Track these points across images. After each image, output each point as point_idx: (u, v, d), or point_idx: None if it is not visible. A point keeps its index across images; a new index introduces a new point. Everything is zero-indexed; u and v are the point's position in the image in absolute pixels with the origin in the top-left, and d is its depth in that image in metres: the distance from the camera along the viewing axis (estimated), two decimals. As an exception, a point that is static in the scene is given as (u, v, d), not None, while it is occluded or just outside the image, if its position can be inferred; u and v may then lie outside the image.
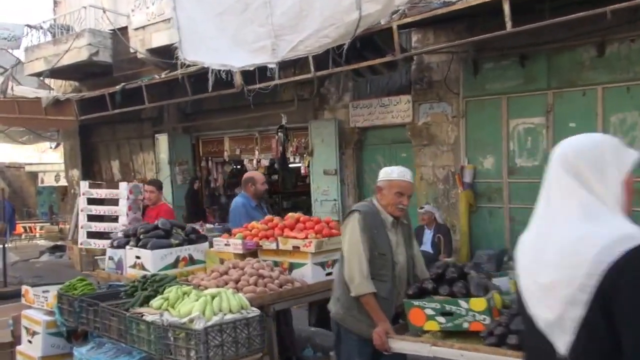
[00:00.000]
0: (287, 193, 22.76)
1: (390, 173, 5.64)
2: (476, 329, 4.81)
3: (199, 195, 18.81)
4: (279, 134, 16.31)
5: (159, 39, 16.80)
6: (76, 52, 18.82)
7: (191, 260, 7.81)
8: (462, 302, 4.86)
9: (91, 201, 11.64)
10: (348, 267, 5.42)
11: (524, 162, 12.38)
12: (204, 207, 19.05)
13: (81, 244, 11.80)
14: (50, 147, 31.14)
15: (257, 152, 18.01)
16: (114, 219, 11.52)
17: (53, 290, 7.96)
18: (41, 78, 22.09)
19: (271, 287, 6.34)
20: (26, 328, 8.01)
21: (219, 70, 13.39)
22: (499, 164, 12.68)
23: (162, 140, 18.89)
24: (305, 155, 16.58)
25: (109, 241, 11.21)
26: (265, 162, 18.15)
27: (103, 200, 11.73)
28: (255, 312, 5.57)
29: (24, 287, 8.52)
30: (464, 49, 12.76)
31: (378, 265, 5.44)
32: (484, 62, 12.82)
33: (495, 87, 12.70)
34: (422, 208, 12.67)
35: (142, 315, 5.68)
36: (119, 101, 16.96)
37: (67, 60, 19.09)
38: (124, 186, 11.35)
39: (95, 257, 10.82)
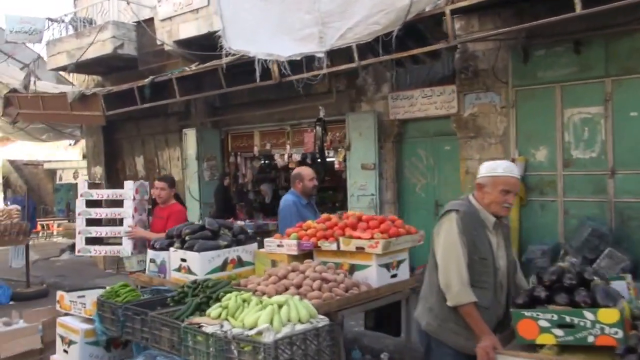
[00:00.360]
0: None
1: (495, 168, 5.04)
2: (605, 344, 4.16)
3: (228, 192, 18.11)
4: (317, 127, 15.59)
5: (187, 30, 16.24)
6: (100, 45, 18.25)
7: (239, 262, 7.29)
8: (588, 313, 4.21)
9: (91, 203, 10.61)
10: (444, 274, 4.87)
11: (580, 154, 11.68)
12: (234, 203, 18.34)
13: (79, 251, 10.76)
14: (70, 144, 30.81)
15: (288, 147, 17.42)
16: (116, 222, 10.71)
17: (90, 296, 7.47)
18: (64, 72, 21.60)
19: (337, 292, 5.77)
20: (61, 337, 7.42)
21: (265, 60, 12.80)
22: (553, 155, 11.99)
23: (190, 135, 18.18)
24: (339, 149, 16.01)
25: (110, 247, 10.50)
26: (297, 157, 17.58)
27: (99, 202, 10.80)
28: (324, 321, 5.04)
29: (59, 293, 7.92)
30: (513, 36, 12.07)
31: (478, 271, 4.85)
32: (534, 50, 12.15)
33: (548, 75, 12.03)
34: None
35: (200, 326, 5.08)
36: (149, 95, 16.35)
37: (91, 54, 18.53)
38: (129, 185, 10.39)
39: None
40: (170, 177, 11.09)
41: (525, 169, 12.17)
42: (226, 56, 13.54)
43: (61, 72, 22.07)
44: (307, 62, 12.61)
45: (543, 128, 12.13)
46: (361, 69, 13.22)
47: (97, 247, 10.64)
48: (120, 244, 10.24)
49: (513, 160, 12.09)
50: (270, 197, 19.76)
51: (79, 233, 10.56)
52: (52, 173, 33.51)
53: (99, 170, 22.12)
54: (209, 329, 4.94)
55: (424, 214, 14.08)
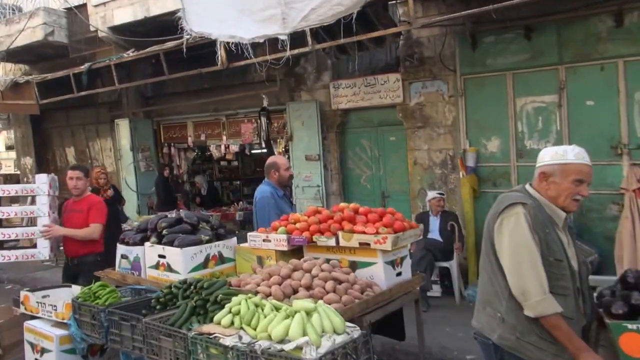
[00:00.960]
0: (247, 179, 22.04)
1: (564, 154, 4.32)
2: None
3: (169, 183, 17.66)
4: (261, 117, 15.23)
5: (122, 16, 15.59)
6: (30, 33, 17.51)
7: (220, 259, 6.82)
8: None
9: None
10: (518, 279, 4.17)
11: (535, 144, 11.49)
12: (175, 195, 17.96)
13: None
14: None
15: (224, 138, 17.08)
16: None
17: (56, 296, 7.04)
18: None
19: (354, 294, 5.32)
20: (32, 344, 6.84)
21: (214, 45, 12.40)
22: (506, 146, 11.81)
23: (123, 125, 17.81)
24: (279, 139, 15.70)
25: (22, 252, 9.27)
26: (234, 148, 17.27)
27: None
28: (356, 330, 4.51)
29: (23, 293, 7.32)
30: (459, 22, 11.86)
31: (555, 275, 4.19)
32: (482, 36, 11.93)
33: (498, 62, 11.82)
34: (440, 194, 11.93)
35: (215, 337, 4.59)
36: (86, 82, 15.80)
37: (20, 42, 17.77)
38: (42, 179, 9.12)
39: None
40: (84, 166, 10.19)
41: (477, 159, 12.04)
42: (193, 39, 13.00)
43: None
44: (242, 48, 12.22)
45: (494, 118, 11.93)
46: (314, 53, 12.91)
47: (5, 253, 9.26)
48: (29, 246, 9.31)
49: (464, 151, 11.98)
50: (206, 189, 19.36)
51: None
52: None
53: (29, 161, 21.48)
54: (227, 341, 4.45)
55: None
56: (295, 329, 4.28)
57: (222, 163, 22.63)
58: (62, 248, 9.21)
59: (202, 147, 19.78)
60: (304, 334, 4.25)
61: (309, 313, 4.49)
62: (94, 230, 8.56)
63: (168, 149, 18.95)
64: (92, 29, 16.43)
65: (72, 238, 8.74)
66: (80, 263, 8.56)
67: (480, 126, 12.13)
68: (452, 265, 11.28)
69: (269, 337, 4.36)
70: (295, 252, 6.35)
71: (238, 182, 22.89)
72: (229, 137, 16.98)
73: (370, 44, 12.87)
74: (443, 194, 11.95)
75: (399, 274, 6.04)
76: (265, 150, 17.02)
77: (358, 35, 11.44)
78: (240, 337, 4.46)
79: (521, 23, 11.32)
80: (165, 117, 18.43)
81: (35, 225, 9.00)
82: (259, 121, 15.50)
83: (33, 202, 9.38)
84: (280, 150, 15.57)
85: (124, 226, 13.13)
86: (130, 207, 16.49)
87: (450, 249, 11.33)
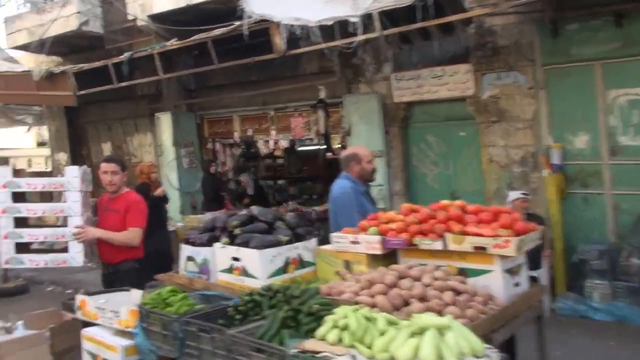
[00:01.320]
0: (293, 178, 21.15)
1: None
2: None
3: (216, 180, 17.01)
4: (319, 110, 14.38)
5: (162, 4, 14.99)
6: (64, 22, 16.96)
7: (300, 263, 5.82)
8: None
9: (20, 197, 8.47)
10: None
11: (630, 141, 10.60)
12: (222, 193, 17.26)
13: (7, 262, 8.49)
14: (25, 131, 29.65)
15: (273, 133, 16.23)
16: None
17: (114, 301, 6.03)
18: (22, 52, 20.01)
19: (478, 308, 4.27)
20: (92, 354, 5.87)
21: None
22: (596, 142, 10.91)
23: (164, 119, 17.01)
24: (333, 134, 15.12)
25: (52, 256, 8.29)
26: (284, 144, 16.43)
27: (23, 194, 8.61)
28: (494, 352, 3.59)
29: (80, 297, 6.30)
30: (537, 9, 10.96)
31: None
32: (564, 23, 11.03)
33: (584, 52, 10.89)
34: (525, 194, 10.79)
35: (323, 356, 3.58)
36: (127, 72, 15.10)
37: (53, 32, 17.21)
38: (73, 172, 8.15)
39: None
40: (120, 158, 9.09)
41: (562, 157, 11.14)
42: (250, 20, 12.21)
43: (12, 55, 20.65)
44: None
45: (582, 111, 11.08)
46: (380, 39, 11.93)
47: (34, 257, 8.45)
48: (60, 250, 8.36)
49: (548, 148, 11.22)
50: (253, 188, 18.46)
51: (5, 237, 8.37)
52: (4, 161, 32.26)
53: (63, 157, 20.92)
54: (342, 362, 3.47)
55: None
56: (427, 350, 3.34)
57: (267, 161, 22.06)
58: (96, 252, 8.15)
59: (247, 143, 19.06)
60: (440, 357, 3.33)
61: (440, 330, 3.54)
62: (134, 235, 7.47)
63: (212, 144, 18.21)
64: (129, 17, 15.96)
65: (107, 242, 7.63)
66: (116, 271, 7.52)
67: (565, 120, 11.28)
68: (541, 274, 10.10)
69: (391, 359, 3.44)
70: (387, 257, 5.33)
71: (282, 182, 22.14)
72: (278, 132, 16.22)
73: (438, 32, 11.99)
74: (528, 195, 10.89)
75: (517, 284, 4.99)
76: (320, 147, 16.24)
77: (426, 21, 10.78)
78: (354, 358, 3.53)
79: (609, 9, 10.43)
80: (209, 111, 17.72)
81: (66, 226, 8.00)
82: (315, 114, 14.68)
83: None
84: (337, 146, 14.71)
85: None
86: (173, 206, 15.55)
87: (538, 256, 10.22)
